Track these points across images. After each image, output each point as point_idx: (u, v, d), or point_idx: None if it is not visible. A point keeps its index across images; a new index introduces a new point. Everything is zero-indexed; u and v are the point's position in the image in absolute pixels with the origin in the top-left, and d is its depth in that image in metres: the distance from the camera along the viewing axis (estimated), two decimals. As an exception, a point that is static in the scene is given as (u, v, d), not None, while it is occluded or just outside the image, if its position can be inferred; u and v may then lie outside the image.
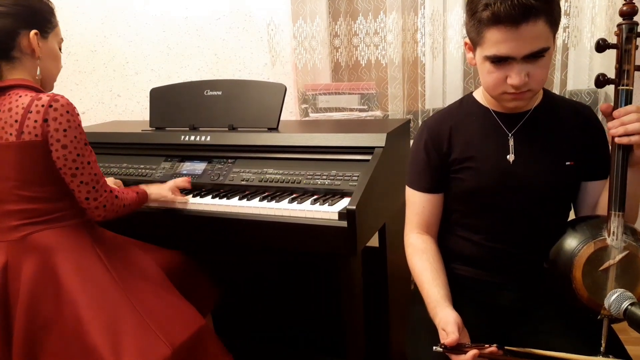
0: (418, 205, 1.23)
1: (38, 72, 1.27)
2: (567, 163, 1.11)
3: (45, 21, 1.27)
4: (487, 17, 0.97)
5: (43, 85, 1.31)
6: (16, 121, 1.17)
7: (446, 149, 1.18)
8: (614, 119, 0.99)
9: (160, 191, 1.49)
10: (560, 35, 1.93)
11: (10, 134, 1.18)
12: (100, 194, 1.24)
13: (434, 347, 1.01)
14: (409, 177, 1.24)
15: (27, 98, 1.18)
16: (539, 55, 0.99)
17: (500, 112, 1.15)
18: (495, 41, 0.98)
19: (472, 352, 0.97)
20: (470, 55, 1.10)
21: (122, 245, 1.39)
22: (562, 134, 1.13)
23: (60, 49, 1.34)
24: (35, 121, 1.16)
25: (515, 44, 0.97)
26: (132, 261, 1.35)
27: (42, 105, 1.16)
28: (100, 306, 1.19)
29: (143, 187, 1.44)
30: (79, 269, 1.22)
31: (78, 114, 1.22)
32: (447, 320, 1.04)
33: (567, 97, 1.94)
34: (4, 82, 1.23)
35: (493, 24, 0.97)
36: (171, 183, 1.54)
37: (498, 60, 1.00)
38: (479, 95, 1.19)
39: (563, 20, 1.92)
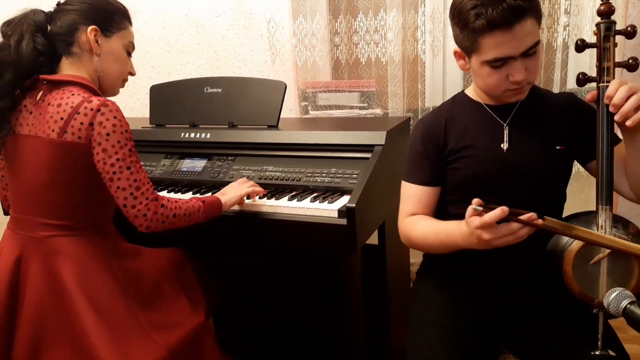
0: (414, 197, 1.24)
1: (99, 69, 1.24)
2: (558, 147, 1.15)
3: (108, 19, 1.25)
4: (481, 25, 1.02)
5: (103, 88, 1.27)
6: (62, 118, 1.14)
7: (442, 141, 1.21)
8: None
9: (238, 195, 1.40)
10: (561, 33, 1.93)
11: (53, 130, 1.15)
12: (140, 201, 1.16)
13: (472, 206, 0.94)
14: (406, 172, 1.26)
15: (79, 98, 1.15)
16: (533, 49, 1.05)
17: (492, 105, 1.19)
18: (493, 45, 1.03)
19: (502, 207, 0.93)
20: (461, 62, 1.15)
21: (135, 254, 1.36)
22: (550, 120, 1.17)
23: (129, 55, 1.31)
24: (82, 123, 1.13)
25: (512, 44, 1.02)
26: (142, 269, 1.33)
27: (92, 109, 1.13)
28: (105, 318, 1.18)
29: (218, 194, 1.36)
30: (86, 279, 1.20)
31: (127, 123, 1.18)
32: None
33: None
34: (58, 76, 1.21)
35: (489, 30, 1.02)
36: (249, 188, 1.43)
37: (498, 62, 1.05)
38: (471, 92, 1.24)
39: (563, 19, 1.92)
